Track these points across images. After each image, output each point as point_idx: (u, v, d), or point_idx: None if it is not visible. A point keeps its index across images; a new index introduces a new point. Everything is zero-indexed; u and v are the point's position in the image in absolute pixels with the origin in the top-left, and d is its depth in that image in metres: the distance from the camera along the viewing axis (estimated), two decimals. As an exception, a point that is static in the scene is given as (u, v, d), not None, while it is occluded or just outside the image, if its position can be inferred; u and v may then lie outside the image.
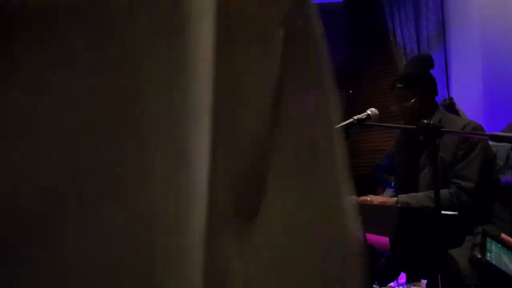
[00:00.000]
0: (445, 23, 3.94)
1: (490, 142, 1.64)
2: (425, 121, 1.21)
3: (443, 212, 1.05)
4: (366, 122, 1.60)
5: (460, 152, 1.53)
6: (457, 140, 1.55)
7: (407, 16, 4.16)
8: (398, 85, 1.74)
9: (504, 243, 0.89)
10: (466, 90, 3.48)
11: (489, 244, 0.86)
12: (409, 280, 3.19)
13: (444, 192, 1.50)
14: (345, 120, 1.61)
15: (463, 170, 1.52)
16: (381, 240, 1.04)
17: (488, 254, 0.82)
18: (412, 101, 1.68)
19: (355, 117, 1.60)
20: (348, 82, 5.11)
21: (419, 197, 1.52)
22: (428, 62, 1.75)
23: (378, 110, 1.67)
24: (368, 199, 1.52)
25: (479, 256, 0.80)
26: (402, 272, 2.48)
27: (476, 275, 1.28)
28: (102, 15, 0.24)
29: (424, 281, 2.89)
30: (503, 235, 0.90)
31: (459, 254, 1.32)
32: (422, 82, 1.71)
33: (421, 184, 1.64)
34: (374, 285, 2.80)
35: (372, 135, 4.87)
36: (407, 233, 0.98)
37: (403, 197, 1.55)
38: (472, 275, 1.29)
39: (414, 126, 1.36)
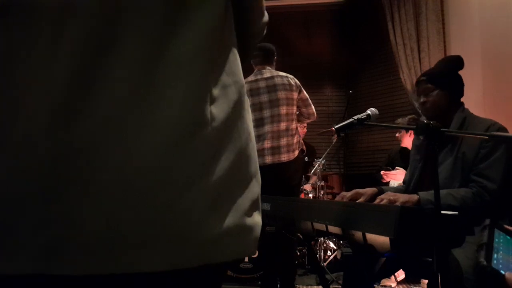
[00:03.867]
0: (445, 23, 3.94)
1: None
2: (425, 121, 1.21)
3: (443, 212, 1.05)
4: (366, 122, 1.60)
5: (483, 150, 1.52)
6: (480, 138, 1.54)
7: (407, 16, 4.17)
8: (422, 78, 1.75)
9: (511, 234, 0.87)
10: (466, 90, 3.48)
11: (497, 240, 0.84)
12: (409, 280, 3.19)
13: (466, 191, 1.49)
14: (345, 120, 1.61)
15: (487, 169, 1.50)
16: (381, 240, 1.03)
17: (495, 256, 0.81)
18: (434, 95, 1.69)
19: (355, 117, 1.60)
20: (348, 82, 5.12)
21: (441, 195, 1.51)
22: (456, 62, 1.73)
23: (378, 110, 1.67)
24: (391, 198, 1.49)
25: (485, 263, 0.78)
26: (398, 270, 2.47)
27: (479, 281, 1.27)
28: None
29: (424, 281, 2.89)
30: (506, 226, 0.89)
31: (463, 257, 1.31)
32: (446, 79, 1.71)
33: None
34: (374, 285, 2.81)
35: (372, 135, 4.87)
36: (407, 233, 0.98)
37: (424, 194, 1.52)
38: (474, 279, 1.28)
39: (414, 126, 1.36)
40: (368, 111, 1.63)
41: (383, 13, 4.39)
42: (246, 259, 3.38)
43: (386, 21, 4.35)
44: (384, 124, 3.05)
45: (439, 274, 1.01)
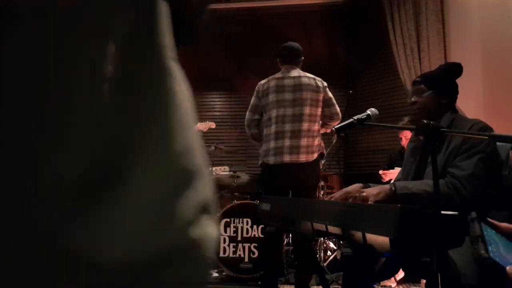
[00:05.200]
0: (445, 23, 3.94)
1: None
2: (425, 121, 1.21)
3: (443, 212, 1.05)
4: (366, 122, 1.60)
5: (464, 146, 1.57)
6: (464, 136, 1.59)
7: (407, 16, 4.17)
8: (417, 79, 1.78)
9: (496, 228, 0.87)
10: (466, 90, 3.48)
11: (485, 233, 0.84)
12: (409, 280, 3.19)
13: (440, 180, 1.51)
14: (345, 120, 1.61)
15: (460, 161, 1.55)
16: (381, 240, 1.03)
17: (490, 248, 0.81)
18: (425, 96, 1.71)
19: (355, 117, 1.60)
20: (348, 82, 5.11)
21: (416, 183, 1.56)
22: (455, 69, 1.76)
23: (378, 110, 1.67)
24: (364, 195, 1.52)
25: (486, 255, 0.78)
26: (399, 270, 2.47)
27: (475, 274, 1.28)
28: None
29: (424, 281, 2.89)
30: (490, 220, 0.89)
31: (457, 255, 1.32)
32: (441, 84, 1.74)
33: (426, 178, 1.65)
34: (374, 285, 2.81)
35: (372, 135, 4.87)
36: (407, 233, 0.98)
37: (399, 182, 1.58)
38: (471, 274, 1.29)
39: (414, 126, 1.37)
40: (368, 111, 1.63)
41: (383, 13, 4.39)
42: (246, 259, 3.39)
43: (386, 21, 4.35)
44: (384, 124, 3.05)
45: (439, 274, 1.01)
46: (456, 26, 3.81)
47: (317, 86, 2.85)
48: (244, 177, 4.03)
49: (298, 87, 2.81)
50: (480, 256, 0.77)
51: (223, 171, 4.35)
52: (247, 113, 2.93)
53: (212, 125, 3.45)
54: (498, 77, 3.36)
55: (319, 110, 2.87)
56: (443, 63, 1.94)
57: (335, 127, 1.59)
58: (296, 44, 2.98)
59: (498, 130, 1.55)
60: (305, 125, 2.78)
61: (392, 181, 1.92)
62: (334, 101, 2.92)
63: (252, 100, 2.91)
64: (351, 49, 5.05)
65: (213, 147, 4.08)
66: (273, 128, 2.78)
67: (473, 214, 0.85)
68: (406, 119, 3.41)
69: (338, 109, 2.92)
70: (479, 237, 0.80)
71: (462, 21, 3.73)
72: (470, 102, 3.30)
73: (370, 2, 4.75)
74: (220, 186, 4.27)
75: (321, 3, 5.19)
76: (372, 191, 1.53)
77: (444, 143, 1.62)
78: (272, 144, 2.76)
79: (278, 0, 5.16)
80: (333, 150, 4.79)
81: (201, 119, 5.33)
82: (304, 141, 2.77)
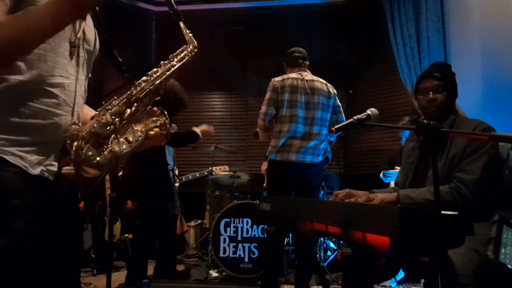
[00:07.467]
0: (445, 23, 3.94)
1: None
2: (425, 121, 1.20)
3: (443, 212, 1.05)
4: (366, 122, 1.60)
5: (468, 149, 1.55)
6: (468, 138, 1.57)
7: (407, 16, 4.16)
8: (436, 74, 1.70)
9: None
10: (466, 90, 3.48)
11: (505, 235, 0.83)
12: (408, 280, 3.19)
13: (444, 187, 1.51)
14: (345, 120, 1.61)
15: (467, 165, 1.53)
16: (381, 240, 1.03)
17: (503, 251, 0.81)
18: (444, 95, 1.68)
19: (355, 117, 1.60)
20: (348, 82, 5.11)
21: (420, 191, 1.54)
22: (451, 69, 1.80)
23: (378, 110, 1.67)
24: (371, 196, 1.52)
25: (493, 257, 0.78)
26: (400, 271, 2.47)
27: (473, 274, 1.28)
28: None
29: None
30: None
31: (455, 254, 1.32)
32: (454, 84, 1.73)
33: (429, 181, 1.63)
34: (374, 285, 2.81)
35: (372, 135, 4.87)
36: (407, 233, 0.98)
37: (404, 191, 1.56)
38: (468, 274, 1.28)
39: (414, 126, 1.36)
40: (368, 111, 1.62)
41: (383, 13, 4.39)
42: (246, 259, 3.39)
43: (386, 21, 4.35)
44: (384, 124, 3.06)
45: (439, 274, 1.01)
46: (456, 26, 3.81)
47: (329, 92, 2.93)
48: (244, 177, 4.03)
49: (311, 90, 2.87)
50: (486, 257, 0.77)
51: (223, 171, 4.35)
52: (264, 106, 2.93)
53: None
54: (498, 77, 3.36)
55: (329, 115, 2.94)
56: (441, 63, 1.88)
57: (335, 127, 1.59)
58: (303, 49, 3.05)
59: (498, 130, 1.55)
60: (316, 129, 2.84)
61: (393, 183, 1.92)
62: (342, 110, 3.00)
63: (269, 94, 2.94)
64: (351, 49, 5.05)
65: (213, 147, 4.08)
66: (285, 127, 2.83)
67: (496, 217, 0.84)
68: (406, 119, 3.41)
69: (344, 118, 2.97)
70: (492, 240, 0.80)
71: (462, 21, 3.73)
72: (470, 102, 3.30)
73: (370, 2, 4.75)
74: (220, 186, 4.27)
75: (321, 3, 5.18)
76: (379, 196, 1.52)
77: (445, 147, 1.60)
78: (282, 141, 2.81)
79: (278, 0, 5.16)
80: (333, 150, 4.79)
81: (201, 119, 5.34)
82: (312, 143, 2.82)
